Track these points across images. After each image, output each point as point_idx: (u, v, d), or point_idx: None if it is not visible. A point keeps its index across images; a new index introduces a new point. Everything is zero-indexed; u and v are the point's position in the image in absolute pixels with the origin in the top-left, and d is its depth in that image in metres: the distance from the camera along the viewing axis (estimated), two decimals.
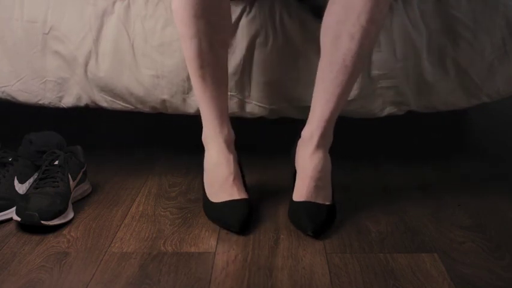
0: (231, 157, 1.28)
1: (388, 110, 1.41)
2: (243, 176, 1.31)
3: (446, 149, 1.74)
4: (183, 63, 1.33)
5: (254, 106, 1.40)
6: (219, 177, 1.28)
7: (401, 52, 1.35)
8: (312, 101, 1.26)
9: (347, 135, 1.85)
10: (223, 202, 1.25)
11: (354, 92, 1.36)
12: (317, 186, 1.24)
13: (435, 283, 1.03)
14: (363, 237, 1.20)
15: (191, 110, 1.41)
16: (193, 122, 1.92)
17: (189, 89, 1.38)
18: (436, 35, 1.37)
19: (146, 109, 1.43)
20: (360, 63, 1.21)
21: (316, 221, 1.20)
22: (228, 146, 1.29)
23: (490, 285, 1.03)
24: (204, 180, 1.31)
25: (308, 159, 1.26)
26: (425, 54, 1.36)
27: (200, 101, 1.27)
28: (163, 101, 1.40)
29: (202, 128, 1.31)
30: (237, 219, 1.21)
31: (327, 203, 1.25)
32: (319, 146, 1.26)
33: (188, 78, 1.36)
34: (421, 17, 1.37)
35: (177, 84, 1.37)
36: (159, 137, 1.88)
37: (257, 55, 1.36)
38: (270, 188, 1.44)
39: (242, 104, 1.39)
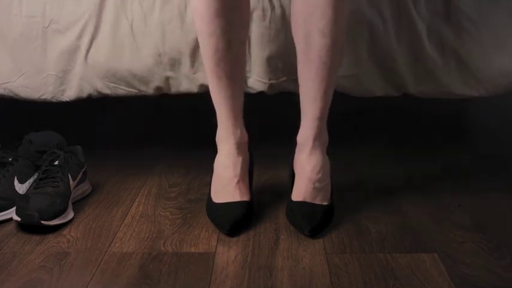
0: (240, 159, 1.29)
1: (385, 90, 1.42)
2: (251, 178, 1.32)
3: (447, 149, 1.74)
4: (185, 39, 1.33)
5: (254, 81, 1.40)
6: (224, 178, 1.28)
7: (402, 35, 1.37)
8: (300, 102, 1.26)
9: (347, 135, 1.86)
10: (222, 203, 1.25)
11: (352, 69, 1.37)
12: (315, 188, 1.25)
13: (435, 283, 1.03)
14: (363, 237, 1.20)
15: (194, 87, 1.41)
16: (194, 122, 1.92)
17: (192, 64, 1.38)
18: (438, 24, 1.38)
19: (150, 91, 1.42)
20: (337, 56, 1.21)
21: (313, 221, 1.20)
22: (238, 148, 1.29)
23: (490, 285, 1.03)
24: (212, 179, 1.32)
25: (306, 160, 1.26)
26: (427, 41, 1.37)
27: (215, 99, 1.27)
28: (167, 79, 1.40)
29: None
30: (228, 220, 1.21)
31: (325, 203, 1.25)
32: (315, 146, 1.26)
33: (191, 55, 1.36)
34: (425, 4, 1.37)
35: (179, 60, 1.38)
36: (159, 137, 1.88)
37: (255, 29, 1.36)
38: (270, 188, 1.44)
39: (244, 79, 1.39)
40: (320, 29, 1.15)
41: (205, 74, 1.28)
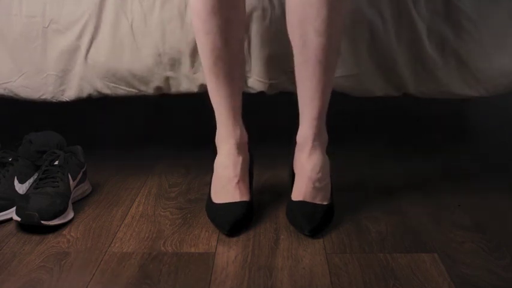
0: (240, 159, 1.29)
1: (385, 90, 1.42)
2: (251, 178, 1.32)
3: (447, 149, 1.74)
4: (185, 39, 1.34)
5: (254, 81, 1.40)
6: (224, 178, 1.28)
7: (402, 35, 1.37)
8: (298, 103, 1.27)
9: (347, 135, 1.86)
10: (222, 204, 1.25)
11: (352, 69, 1.38)
12: (315, 187, 1.25)
13: (435, 283, 1.03)
14: (363, 237, 1.20)
15: (194, 87, 1.41)
16: (194, 122, 1.92)
17: (192, 64, 1.38)
18: (438, 24, 1.38)
19: (150, 91, 1.43)
20: (333, 55, 1.21)
21: (313, 221, 1.20)
22: (238, 148, 1.29)
23: (490, 285, 1.03)
24: (211, 180, 1.31)
25: (306, 160, 1.26)
26: (427, 41, 1.38)
27: (214, 99, 1.28)
28: (167, 79, 1.40)
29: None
30: (228, 221, 1.21)
31: (325, 203, 1.25)
32: (314, 146, 1.26)
33: (191, 55, 1.36)
34: (425, 4, 1.37)
35: (179, 60, 1.38)
36: (159, 137, 1.88)
37: (255, 29, 1.36)
38: (270, 188, 1.44)
39: (244, 79, 1.40)
40: (316, 28, 1.16)
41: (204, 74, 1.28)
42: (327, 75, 1.21)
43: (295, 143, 1.30)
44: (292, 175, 1.31)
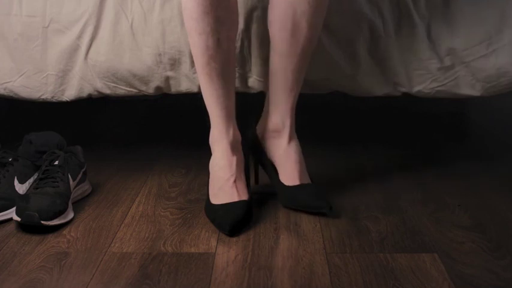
0: (235, 159, 1.29)
1: (385, 90, 1.43)
2: (247, 177, 1.32)
3: (447, 149, 1.74)
4: (185, 38, 1.34)
5: (254, 81, 1.41)
6: (220, 178, 1.28)
7: (402, 35, 1.38)
8: (272, 92, 1.31)
9: (347, 135, 1.86)
10: (220, 204, 1.25)
11: (352, 69, 1.39)
12: (302, 170, 1.32)
13: (435, 283, 1.03)
14: (363, 237, 1.20)
15: (194, 87, 1.41)
16: (194, 122, 1.92)
17: (192, 64, 1.38)
18: (438, 23, 1.38)
19: (150, 91, 1.43)
20: (314, 46, 1.28)
21: (324, 198, 1.27)
22: (232, 148, 1.29)
23: (490, 285, 1.03)
24: (209, 181, 1.32)
25: (287, 146, 1.32)
26: (427, 41, 1.38)
27: (207, 100, 1.28)
28: (167, 78, 1.40)
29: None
30: (229, 221, 1.21)
31: (312, 183, 1.32)
32: (292, 132, 1.32)
33: (191, 54, 1.36)
34: (425, 4, 1.38)
35: (179, 60, 1.38)
36: (159, 137, 1.88)
37: (255, 29, 1.37)
38: (269, 188, 1.44)
39: (244, 79, 1.41)
40: (309, 21, 1.21)
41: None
42: (306, 66, 1.28)
43: (256, 132, 1.35)
44: (270, 165, 1.35)
